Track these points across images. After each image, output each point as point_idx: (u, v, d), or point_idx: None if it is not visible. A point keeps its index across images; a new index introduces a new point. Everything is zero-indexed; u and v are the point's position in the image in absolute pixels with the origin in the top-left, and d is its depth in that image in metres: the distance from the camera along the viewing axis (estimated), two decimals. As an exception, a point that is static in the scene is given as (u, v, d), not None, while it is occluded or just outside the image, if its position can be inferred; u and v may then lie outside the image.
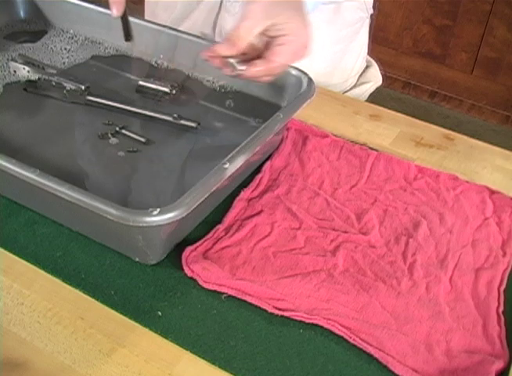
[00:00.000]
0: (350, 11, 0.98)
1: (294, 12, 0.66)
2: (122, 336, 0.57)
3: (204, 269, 0.61)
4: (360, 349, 0.56)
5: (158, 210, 0.55)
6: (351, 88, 1.06)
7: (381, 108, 0.91)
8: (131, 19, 0.86)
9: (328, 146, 0.79)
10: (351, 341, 0.56)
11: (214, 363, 0.55)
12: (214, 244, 0.64)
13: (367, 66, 1.09)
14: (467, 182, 0.75)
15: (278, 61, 0.65)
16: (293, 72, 0.78)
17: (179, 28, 0.96)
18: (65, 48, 0.91)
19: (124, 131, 0.76)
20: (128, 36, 0.71)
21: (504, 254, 0.66)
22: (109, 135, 0.75)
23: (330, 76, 1.01)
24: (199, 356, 0.55)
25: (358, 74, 1.07)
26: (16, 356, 0.54)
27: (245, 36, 0.65)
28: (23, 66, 0.82)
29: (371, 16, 1.04)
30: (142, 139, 0.75)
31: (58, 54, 0.89)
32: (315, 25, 0.94)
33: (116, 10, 0.73)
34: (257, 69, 0.66)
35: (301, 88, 0.74)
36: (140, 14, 0.88)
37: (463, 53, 2.38)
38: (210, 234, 0.65)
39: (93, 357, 0.55)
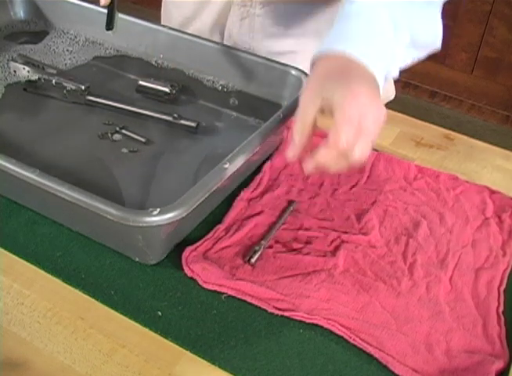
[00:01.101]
0: None
1: (345, 80, 0.57)
2: (122, 336, 0.57)
3: (204, 269, 0.61)
4: (360, 349, 0.56)
5: (158, 210, 0.55)
6: None
7: (381, 108, 0.90)
8: (131, 18, 0.86)
9: (328, 146, 0.79)
10: (351, 341, 0.56)
11: (214, 363, 0.55)
12: (214, 244, 0.64)
13: None
14: (467, 182, 0.75)
15: (332, 141, 0.55)
16: (293, 72, 0.78)
17: (189, 28, 0.97)
18: (67, 50, 0.91)
19: (124, 131, 0.76)
20: (109, 25, 0.70)
21: (504, 254, 0.66)
22: (110, 134, 0.75)
23: None
24: (199, 356, 0.55)
25: None
26: (16, 356, 0.54)
27: (304, 129, 0.59)
28: (23, 66, 0.82)
29: None
30: (142, 139, 0.75)
31: (60, 55, 0.90)
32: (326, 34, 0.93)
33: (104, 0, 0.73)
34: (320, 156, 0.57)
35: (301, 88, 0.74)
36: (139, 13, 0.88)
37: (463, 53, 2.38)
38: (210, 234, 0.65)
39: (93, 357, 0.55)
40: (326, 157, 0.57)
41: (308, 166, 0.59)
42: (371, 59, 0.60)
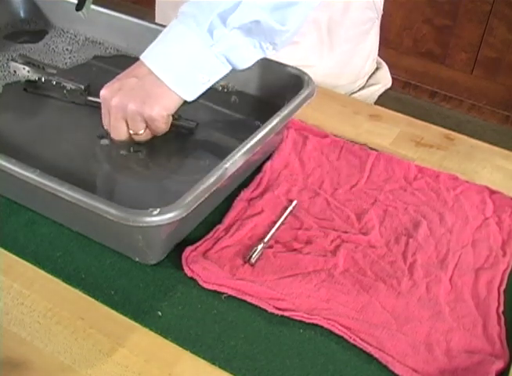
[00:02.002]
0: (359, 11, 0.98)
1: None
2: (122, 336, 0.57)
3: (204, 269, 0.61)
4: (360, 349, 0.56)
5: (158, 210, 0.55)
6: (359, 90, 1.06)
7: (381, 108, 0.91)
8: (131, 18, 0.86)
9: (328, 146, 0.79)
10: (351, 341, 0.56)
11: (214, 363, 0.55)
12: (214, 244, 0.64)
13: (377, 68, 1.09)
14: (467, 182, 0.75)
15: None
16: (293, 72, 0.78)
17: None
18: (66, 49, 0.91)
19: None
20: (78, 5, 0.71)
21: (504, 254, 0.66)
22: (108, 135, 0.75)
23: (339, 77, 1.01)
24: (199, 356, 0.55)
25: (368, 76, 1.07)
26: (16, 356, 0.54)
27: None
28: (23, 66, 0.82)
29: (381, 16, 1.04)
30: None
31: (60, 55, 0.90)
32: (324, 24, 0.94)
33: None
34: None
35: (301, 88, 0.74)
36: (139, 13, 0.88)
37: (463, 53, 2.38)
38: (210, 234, 0.65)
39: (93, 357, 0.55)
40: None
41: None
42: (161, 66, 0.68)
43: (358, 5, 0.97)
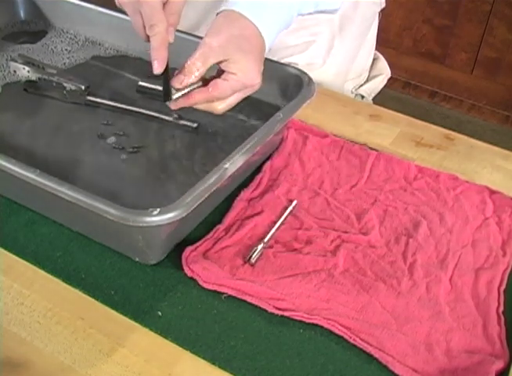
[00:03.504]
0: (367, 6, 1.00)
1: (249, 53, 0.66)
2: (122, 336, 0.57)
3: (204, 269, 0.61)
4: (360, 349, 0.56)
5: (158, 210, 0.55)
6: (365, 82, 1.08)
7: (381, 108, 0.91)
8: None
9: (328, 146, 0.79)
10: (351, 341, 0.56)
11: (214, 363, 0.55)
12: (214, 244, 0.64)
13: (374, 59, 1.11)
14: (467, 182, 0.75)
15: (215, 95, 0.65)
16: (294, 72, 0.78)
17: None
18: (65, 49, 0.91)
19: (123, 131, 0.76)
20: (166, 96, 0.67)
21: (504, 254, 0.66)
22: (109, 135, 0.75)
23: (348, 71, 1.04)
24: (199, 356, 0.55)
25: (369, 68, 1.10)
26: (16, 356, 0.54)
27: (201, 68, 0.65)
28: (23, 66, 0.82)
29: (382, 9, 1.06)
30: (142, 140, 0.75)
31: (58, 55, 0.90)
32: (336, 21, 0.96)
33: (158, 66, 0.65)
34: (194, 100, 0.66)
35: (301, 88, 0.74)
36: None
37: (463, 53, 2.38)
38: (210, 234, 0.65)
39: (93, 357, 0.55)
40: (195, 101, 0.66)
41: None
42: (260, 19, 0.68)
43: (367, 0, 0.99)
